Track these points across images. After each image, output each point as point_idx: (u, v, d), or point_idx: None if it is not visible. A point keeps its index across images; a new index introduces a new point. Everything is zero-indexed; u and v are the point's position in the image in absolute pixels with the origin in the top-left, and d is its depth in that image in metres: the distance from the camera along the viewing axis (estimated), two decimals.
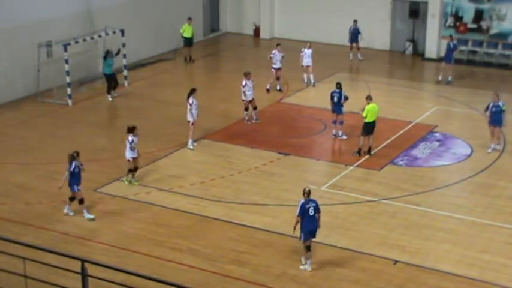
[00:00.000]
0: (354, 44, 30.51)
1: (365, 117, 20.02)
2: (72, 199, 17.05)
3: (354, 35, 30.31)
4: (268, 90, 26.24)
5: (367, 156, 20.31)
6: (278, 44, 26.77)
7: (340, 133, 21.79)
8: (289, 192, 18.23)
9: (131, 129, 18.46)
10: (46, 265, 11.19)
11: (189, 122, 20.99)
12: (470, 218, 16.88)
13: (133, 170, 18.72)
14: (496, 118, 20.49)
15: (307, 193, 14.44)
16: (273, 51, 26.47)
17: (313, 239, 14.60)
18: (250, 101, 22.95)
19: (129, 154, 18.49)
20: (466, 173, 19.33)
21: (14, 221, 16.82)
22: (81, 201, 16.95)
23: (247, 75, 22.84)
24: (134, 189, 18.40)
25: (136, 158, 18.66)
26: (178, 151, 21.02)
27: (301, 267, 14.72)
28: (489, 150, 20.49)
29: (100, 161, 20.24)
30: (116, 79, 25.99)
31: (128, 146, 18.43)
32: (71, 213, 17.13)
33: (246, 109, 23.08)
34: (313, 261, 14.88)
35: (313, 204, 14.41)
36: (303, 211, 14.33)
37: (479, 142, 21.31)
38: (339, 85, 21.68)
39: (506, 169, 19.62)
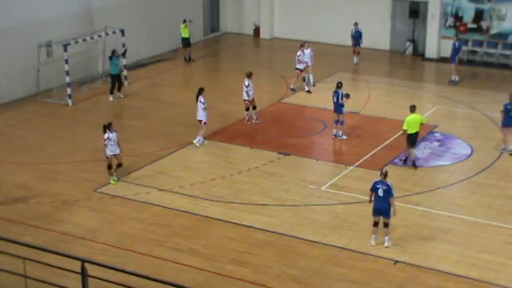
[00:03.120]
0: (356, 47, 30.38)
1: (406, 130, 19.40)
2: None
3: (356, 37, 30.19)
4: (308, 91, 26.47)
5: (367, 157, 20.32)
6: (302, 45, 26.56)
7: (340, 133, 21.79)
8: (289, 192, 18.24)
9: (107, 127, 18.46)
10: (46, 265, 11.18)
11: (200, 121, 21.13)
12: (470, 218, 16.88)
13: (112, 167, 18.70)
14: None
15: (383, 174, 15.27)
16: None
17: (384, 220, 15.38)
18: (251, 101, 22.98)
19: (108, 151, 18.47)
20: (466, 173, 19.33)
21: (14, 221, 16.82)
22: None
23: (249, 75, 22.85)
24: (134, 189, 18.40)
25: (118, 154, 18.64)
26: (178, 151, 21.02)
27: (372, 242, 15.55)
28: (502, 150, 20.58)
29: (100, 161, 20.21)
30: (120, 79, 26.01)
31: (104, 143, 18.48)
32: None
33: (247, 109, 23.09)
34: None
35: (384, 187, 15.16)
36: (373, 188, 15.29)
37: (479, 142, 21.32)
38: (339, 84, 21.72)
39: (506, 169, 19.61)
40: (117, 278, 10.29)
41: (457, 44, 27.45)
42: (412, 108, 19.55)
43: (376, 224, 15.46)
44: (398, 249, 15.39)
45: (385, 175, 15.28)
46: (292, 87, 26.45)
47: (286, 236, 16.06)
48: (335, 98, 21.57)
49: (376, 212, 15.39)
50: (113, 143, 18.45)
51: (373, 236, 15.55)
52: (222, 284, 14.23)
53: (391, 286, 14.12)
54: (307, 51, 26.60)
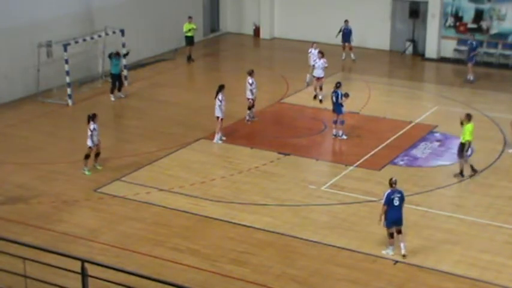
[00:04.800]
0: (347, 44, 30.48)
1: (470, 140, 18.74)
2: None
3: (346, 35, 30.31)
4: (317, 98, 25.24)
5: (367, 157, 20.33)
6: (321, 53, 25.27)
7: (340, 133, 21.78)
8: (289, 192, 18.24)
9: (92, 118, 19.10)
10: (46, 265, 11.19)
11: (217, 117, 21.21)
12: (470, 218, 16.88)
13: (89, 156, 19.35)
14: None
15: (394, 183, 14.86)
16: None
17: (397, 227, 14.95)
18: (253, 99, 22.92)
19: (90, 142, 19.14)
20: (466, 173, 19.30)
21: (14, 221, 16.82)
22: None
23: (251, 73, 22.83)
24: (134, 189, 18.40)
25: (98, 144, 19.30)
26: (178, 151, 21.01)
27: (384, 251, 15.14)
28: (510, 150, 20.52)
29: (100, 161, 20.21)
30: (121, 79, 26.00)
31: (89, 134, 19.04)
32: None
33: (250, 108, 23.04)
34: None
35: (399, 195, 14.81)
36: (388, 201, 14.73)
37: (480, 142, 21.28)
38: (338, 84, 21.72)
39: (506, 169, 19.61)
40: (117, 278, 10.30)
41: (474, 43, 27.53)
42: (469, 117, 18.93)
43: (393, 235, 15.00)
44: (399, 249, 15.36)
45: (395, 183, 14.88)
46: (318, 96, 25.09)
47: (286, 236, 16.06)
48: (334, 98, 21.55)
49: (393, 223, 14.86)
50: (96, 133, 19.09)
51: (391, 247, 15.14)
52: (222, 284, 14.23)
53: (391, 286, 14.12)
54: (315, 51, 26.19)
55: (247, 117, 23.17)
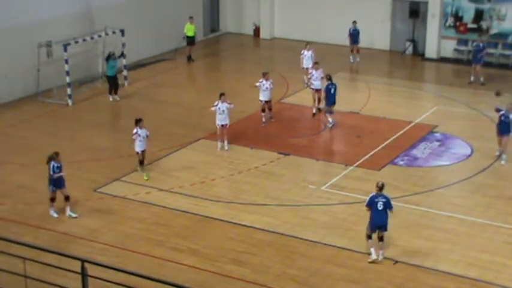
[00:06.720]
0: (354, 46, 30.38)
1: None
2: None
3: (354, 36, 30.22)
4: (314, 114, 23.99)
5: (367, 157, 20.35)
6: (317, 63, 24.28)
7: (330, 120, 22.16)
8: (289, 192, 18.25)
9: (136, 122, 18.90)
10: (46, 265, 11.19)
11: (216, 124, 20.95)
12: (470, 218, 16.89)
13: (143, 162, 19.11)
14: (504, 127, 19.97)
15: (379, 187, 14.63)
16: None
17: (380, 233, 14.76)
18: (266, 102, 22.74)
19: (137, 147, 18.91)
20: (466, 173, 19.32)
21: (14, 221, 16.82)
22: (67, 198, 17.09)
23: (264, 74, 22.62)
24: (134, 189, 18.41)
25: (144, 150, 19.03)
26: (178, 151, 21.02)
27: (370, 258, 14.82)
28: (502, 162, 19.93)
29: (100, 161, 20.25)
30: (117, 82, 25.93)
31: (133, 138, 18.86)
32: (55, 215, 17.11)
33: (263, 110, 22.93)
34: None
35: (383, 200, 14.55)
36: (371, 203, 14.56)
37: (479, 142, 21.31)
38: (329, 76, 22.19)
39: (506, 169, 19.60)
40: (117, 278, 10.30)
41: (481, 44, 27.49)
42: None
43: (370, 236, 14.78)
44: (398, 249, 15.38)
45: (381, 188, 14.63)
46: (317, 110, 23.90)
47: (286, 236, 16.06)
48: (332, 90, 21.82)
49: (376, 227, 14.65)
50: (141, 139, 18.79)
51: (372, 250, 14.81)
52: (222, 284, 14.23)
53: (391, 286, 14.13)
54: (308, 52, 26.19)
55: (265, 119, 22.98)
